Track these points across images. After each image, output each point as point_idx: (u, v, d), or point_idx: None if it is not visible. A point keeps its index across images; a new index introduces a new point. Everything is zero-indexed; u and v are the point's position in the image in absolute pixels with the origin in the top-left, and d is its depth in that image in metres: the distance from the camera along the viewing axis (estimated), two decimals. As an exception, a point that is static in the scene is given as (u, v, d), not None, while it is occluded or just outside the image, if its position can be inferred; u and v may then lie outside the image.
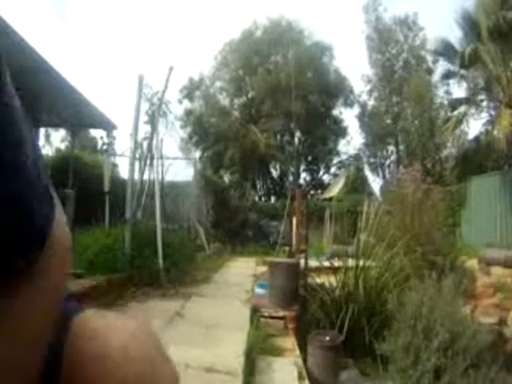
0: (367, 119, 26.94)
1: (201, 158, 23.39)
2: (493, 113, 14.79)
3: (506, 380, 2.83)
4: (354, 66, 51.40)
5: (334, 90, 26.75)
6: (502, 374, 2.78)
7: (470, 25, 13.71)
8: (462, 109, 15.16)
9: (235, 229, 15.15)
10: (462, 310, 3.75)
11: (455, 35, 20.84)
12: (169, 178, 9.03)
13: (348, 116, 46.72)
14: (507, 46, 12.57)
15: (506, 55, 12.77)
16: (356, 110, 28.14)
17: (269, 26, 27.00)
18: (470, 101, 15.62)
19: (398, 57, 25.88)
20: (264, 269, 7.34)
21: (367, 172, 26.05)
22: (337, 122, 27.77)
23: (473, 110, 15.41)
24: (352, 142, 28.31)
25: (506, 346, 4.14)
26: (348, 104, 28.10)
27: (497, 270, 6.69)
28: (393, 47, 25.96)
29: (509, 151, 12.53)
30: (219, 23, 49.00)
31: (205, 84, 26.96)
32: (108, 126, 9.73)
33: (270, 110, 25.11)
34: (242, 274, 8.38)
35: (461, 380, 2.72)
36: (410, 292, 4.21)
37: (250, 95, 26.91)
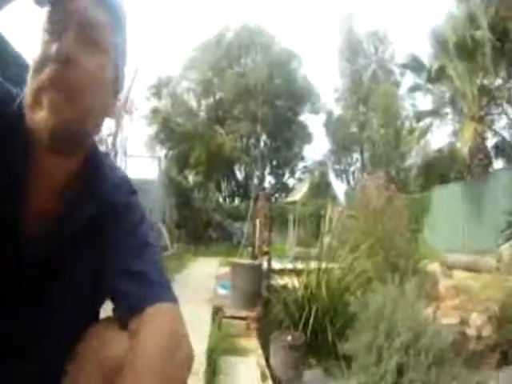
0: (333, 126, 27.41)
1: (166, 156, 23.11)
2: (457, 125, 15.32)
3: (467, 377, 2.88)
4: (323, 74, 52.69)
5: (301, 95, 27.11)
6: (464, 371, 2.83)
7: (439, 41, 14.24)
8: (428, 120, 15.67)
9: (199, 229, 14.99)
10: (424, 311, 3.81)
11: (424, 50, 21.66)
12: (132, 175, 8.84)
13: (314, 123, 47.53)
14: (473, 64, 13.08)
15: (472, 73, 13.27)
16: (322, 116, 28.65)
17: (240, 30, 27.09)
18: (435, 113, 16.13)
19: (367, 68, 26.55)
20: (227, 269, 7.26)
21: (332, 178, 26.49)
22: (303, 127, 28.12)
23: (438, 122, 15.94)
24: (317, 148, 28.81)
25: (468, 345, 4.24)
26: (314, 111, 28.57)
27: (458, 274, 6.87)
28: (363, 58, 26.67)
29: (471, 163, 13.02)
30: (191, 24, 49.05)
31: (172, 83, 26.69)
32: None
33: (237, 113, 25.13)
34: (204, 275, 8.28)
35: (424, 377, 2.75)
36: (372, 293, 4.24)
37: (217, 97, 26.85)
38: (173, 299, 0.84)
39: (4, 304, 0.78)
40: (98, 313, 0.92)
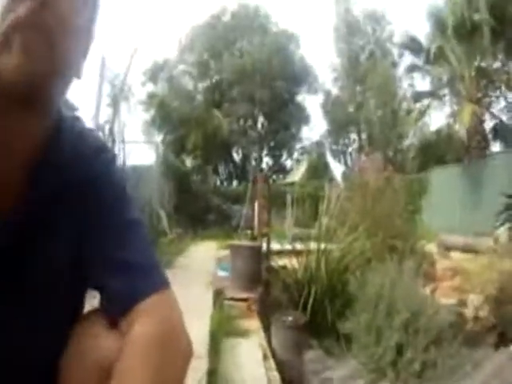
0: (330, 106, 27.27)
1: (163, 141, 23.06)
2: (455, 107, 15.27)
3: (465, 356, 2.94)
4: (321, 55, 52.30)
5: (299, 76, 26.94)
6: (462, 351, 2.89)
7: (438, 22, 14.16)
8: (425, 102, 15.59)
9: (197, 213, 15.02)
10: (423, 291, 3.86)
11: (422, 31, 21.45)
12: (130, 161, 8.82)
13: (312, 103, 47.21)
14: (471, 46, 13.01)
15: (470, 54, 13.21)
16: (320, 97, 28.50)
17: (236, 11, 26.82)
18: (433, 94, 16.04)
19: (364, 48, 26.31)
20: (226, 252, 7.31)
21: (329, 159, 26.46)
22: (300, 108, 27.97)
23: (435, 103, 15.86)
24: (315, 128, 28.62)
25: (465, 325, 4.32)
26: (312, 91, 28.40)
27: (456, 255, 6.95)
28: (360, 38, 26.41)
29: (469, 145, 13.04)
30: (187, 7, 48.31)
31: (168, 67, 26.50)
32: (68, 109, 9.33)
33: (235, 95, 24.99)
34: (204, 258, 8.34)
35: (422, 356, 2.81)
36: (371, 274, 4.29)
37: (214, 79, 26.65)
38: (163, 284, 0.78)
39: None
40: (82, 302, 0.87)
